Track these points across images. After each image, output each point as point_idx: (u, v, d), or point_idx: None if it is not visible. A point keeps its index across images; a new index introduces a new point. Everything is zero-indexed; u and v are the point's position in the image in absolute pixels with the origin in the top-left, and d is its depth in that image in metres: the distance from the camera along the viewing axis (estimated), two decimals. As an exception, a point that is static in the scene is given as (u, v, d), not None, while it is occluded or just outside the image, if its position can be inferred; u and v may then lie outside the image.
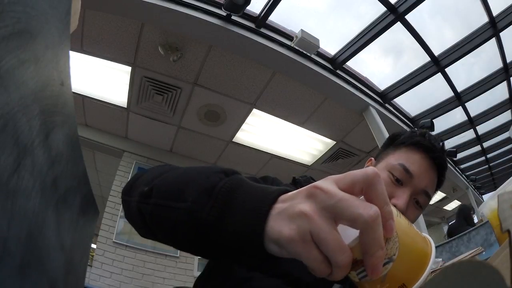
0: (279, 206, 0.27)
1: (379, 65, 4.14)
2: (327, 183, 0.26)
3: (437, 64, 3.17)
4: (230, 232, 0.28)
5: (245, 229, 0.27)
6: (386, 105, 3.56)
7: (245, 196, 0.29)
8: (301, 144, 3.92)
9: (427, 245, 0.29)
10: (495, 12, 2.85)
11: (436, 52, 3.11)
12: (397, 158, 0.65)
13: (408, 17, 2.71)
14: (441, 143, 0.68)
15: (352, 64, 3.20)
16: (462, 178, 5.44)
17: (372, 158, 0.74)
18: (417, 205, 0.63)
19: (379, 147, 0.87)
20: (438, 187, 0.68)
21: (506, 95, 3.88)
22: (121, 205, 0.40)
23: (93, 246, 3.50)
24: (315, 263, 0.25)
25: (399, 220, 0.28)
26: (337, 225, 0.26)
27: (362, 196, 0.27)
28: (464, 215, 3.36)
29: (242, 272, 0.50)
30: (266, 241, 0.27)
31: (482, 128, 4.48)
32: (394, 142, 0.70)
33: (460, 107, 3.82)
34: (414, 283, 0.26)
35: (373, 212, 0.24)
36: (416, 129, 0.72)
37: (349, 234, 0.26)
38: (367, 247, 0.24)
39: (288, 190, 0.29)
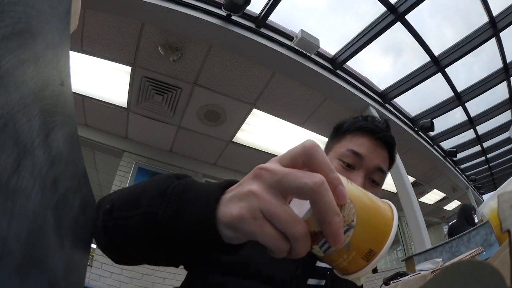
0: (228, 194, 0.28)
1: (379, 65, 4.14)
2: (271, 163, 0.27)
3: (437, 64, 3.17)
4: (185, 227, 0.29)
5: (198, 219, 0.28)
6: (386, 105, 3.56)
7: (196, 192, 0.31)
8: (301, 144, 3.91)
9: (387, 208, 0.29)
10: (495, 12, 2.85)
11: (436, 52, 3.12)
12: (344, 145, 0.66)
13: (408, 17, 2.71)
14: (385, 123, 0.69)
15: (352, 64, 3.21)
16: (462, 178, 5.44)
17: None
18: (373, 183, 0.63)
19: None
20: (391, 164, 0.69)
21: (506, 95, 3.88)
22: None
23: (93, 246, 3.49)
24: (271, 240, 0.24)
25: (350, 187, 0.28)
26: (288, 201, 0.26)
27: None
28: (466, 214, 3.35)
29: (216, 278, 0.50)
30: (221, 228, 0.27)
31: (482, 128, 4.48)
32: (339, 131, 0.71)
33: (460, 107, 3.82)
34: (382, 247, 0.26)
35: (317, 178, 0.24)
36: (359, 116, 0.72)
37: (304, 209, 0.26)
38: (321, 215, 0.24)
39: (237, 182, 0.29)
